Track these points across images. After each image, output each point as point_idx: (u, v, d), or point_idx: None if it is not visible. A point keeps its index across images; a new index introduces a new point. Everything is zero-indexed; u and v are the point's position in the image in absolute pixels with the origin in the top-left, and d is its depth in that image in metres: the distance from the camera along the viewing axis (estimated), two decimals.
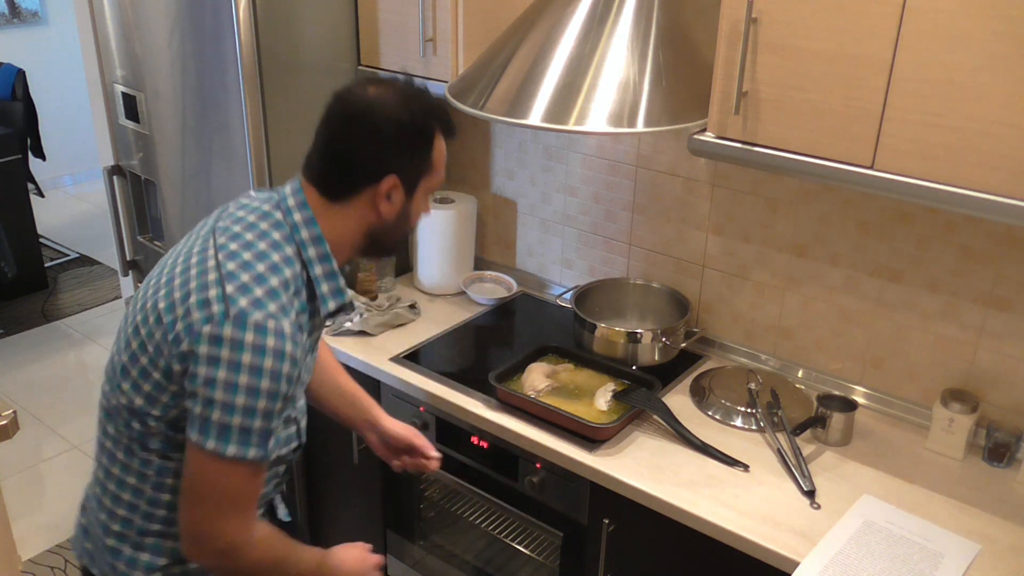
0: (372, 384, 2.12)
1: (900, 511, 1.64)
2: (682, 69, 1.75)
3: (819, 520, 1.62)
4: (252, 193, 1.44)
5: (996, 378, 1.83)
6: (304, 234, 1.36)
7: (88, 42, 2.49)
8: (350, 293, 1.50)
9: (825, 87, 1.52)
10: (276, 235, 1.34)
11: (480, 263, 2.63)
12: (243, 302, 1.25)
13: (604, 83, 1.72)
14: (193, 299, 1.27)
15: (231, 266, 1.29)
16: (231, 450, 1.26)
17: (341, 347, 2.16)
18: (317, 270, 1.37)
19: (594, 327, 2.10)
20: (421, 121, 1.37)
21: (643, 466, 1.77)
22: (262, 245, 1.32)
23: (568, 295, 2.31)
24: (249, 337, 1.24)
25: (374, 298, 2.34)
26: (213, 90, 2.13)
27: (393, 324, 2.27)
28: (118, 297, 4.57)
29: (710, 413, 1.95)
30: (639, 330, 2.08)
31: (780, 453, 1.80)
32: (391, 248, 1.48)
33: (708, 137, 1.69)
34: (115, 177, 2.58)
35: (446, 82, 2.10)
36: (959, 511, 1.66)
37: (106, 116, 2.54)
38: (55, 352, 4.14)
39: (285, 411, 1.35)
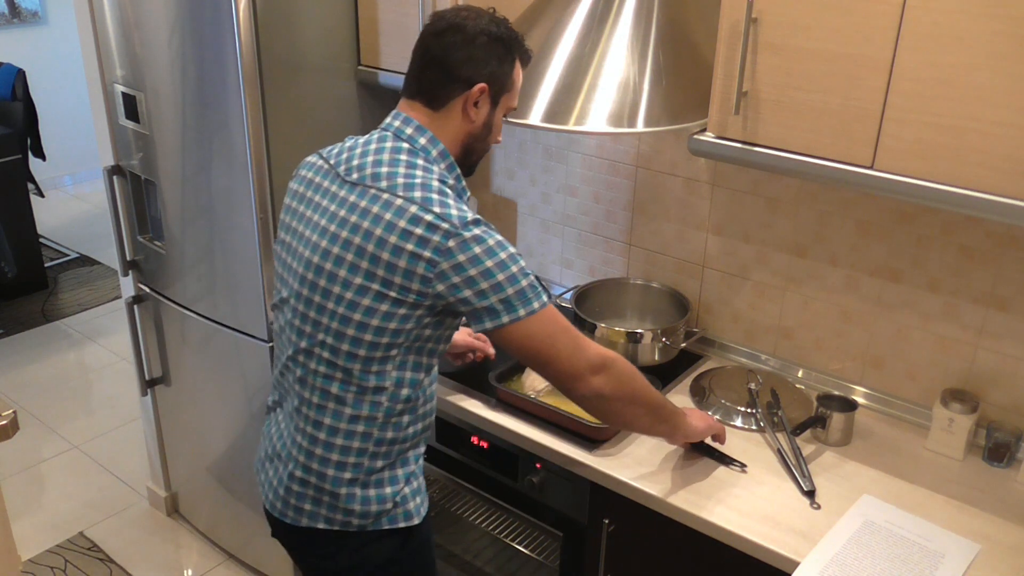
0: None
1: (900, 511, 1.64)
2: (682, 69, 1.75)
3: (819, 520, 1.62)
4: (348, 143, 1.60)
5: (996, 378, 1.83)
6: (434, 152, 1.54)
7: (88, 42, 2.49)
8: None
9: (825, 87, 1.52)
10: (420, 162, 1.52)
11: None
12: (453, 212, 1.45)
13: (604, 83, 1.72)
14: (418, 232, 1.43)
15: (418, 196, 1.46)
16: (536, 304, 1.47)
17: None
18: (450, 177, 1.55)
19: (594, 327, 2.10)
20: (508, 36, 1.54)
21: (643, 466, 1.77)
22: (418, 175, 1.49)
23: (568, 295, 2.32)
24: (478, 230, 1.45)
25: None
26: (213, 90, 2.13)
27: None
28: (118, 297, 4.57)
29: (710, 413, 1.95)
30: (639, 330, 2.08)
31: (780, 453, 1.80)
32: (476, 160, 1.63)
33: (708, 137, 1.69)
34: (115, 177, 2.58)
35: None
36: (959, 511, 1.66)
37: (106, 116, 2.54)
38: (55, 352, 4.14)
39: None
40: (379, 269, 1.45)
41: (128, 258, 2.67)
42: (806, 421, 1.85)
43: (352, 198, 1.50)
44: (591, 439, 1.83)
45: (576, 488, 1.83)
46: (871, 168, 1.51)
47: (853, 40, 1.47)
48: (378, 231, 1.45)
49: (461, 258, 1.43)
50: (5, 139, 4.38)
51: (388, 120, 1.57)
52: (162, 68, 2.24)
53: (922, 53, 1.40)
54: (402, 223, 1.44)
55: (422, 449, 1.67)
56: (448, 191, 1.49)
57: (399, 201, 1.45)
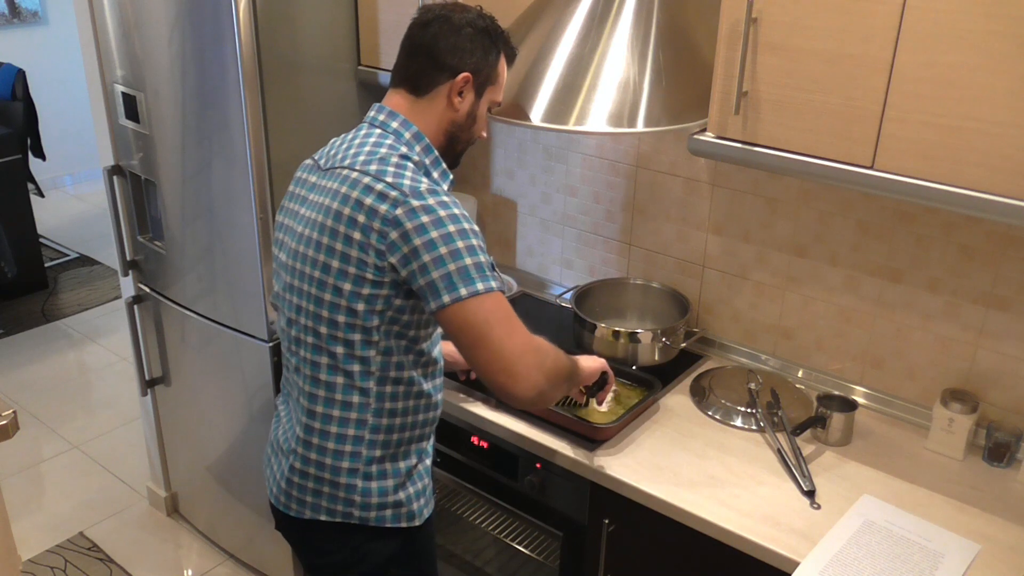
0: None
1: (900, 511, 1.64)
2: (682, 69, 1.75)
3: (819, 520, 1.62)
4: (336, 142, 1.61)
5: (996, 378, 1.83)
6: (407, 135, 1.55)
7: (88, 42, 2.49)
8: None
9: (825, 87, 1.52)
10: (388, 141, 1.53)
11: None
12: (406, 182, 1.44)
13: (604, 83, 1.72)
14: (368, 202, 1.44)
15: (373, 169, 1.47)
16: (480, 286, 1.42)
17: None
18: (427, 160, 1.55)
19: (594, 327, 2.10)
20: (494, 30, 1.58)
21: (643, 466, 1.77)
22: (383, 150, 1.50)
23: (568, 295, 2.32)
24: (430, 200, 1.43)
25: None
26: (213, 90, 2.13)
27: None
28: (118, 297, 4.57)
29: (710, 413, 1.95)
30: (639, 330, 2.08)
31: (780, 453, 1.80)
32: (461, 151, 1.64)
33: (708, 137, 1.69)
34: (115, 177, 2.58)
35: None
36: (959, 511, 1.66)
37: (106, 116, 2.54)
38: (55, 352, 4.14)
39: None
40: (339, 243, 1.47)
41: (128, 258, 2.67)
42: (806, 421, 1.85)
43: (324, 182, 1.54)
44: (591, 439, 1.83)
45: (576, 488, 1.83)
46: (871, 168, 1.51)
47: (853, 40, 1.47)
48: (335, 205, 1.48)
49: (408, 226, 1.41)
50: (5, 139, 4.37)
51: (368, 113, 1.60)
52: (162, 68, 2.24)
53: (922, 53, 1.40)
54: (355, 194, 1.46)
55: (425, 445, 1.67)
56: (409, 164, 1.49)
57: (355, 175, 1.48)
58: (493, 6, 2.05)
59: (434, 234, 1.41)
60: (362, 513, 1.59)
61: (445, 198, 1.45)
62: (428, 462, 1.68)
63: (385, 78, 2.24)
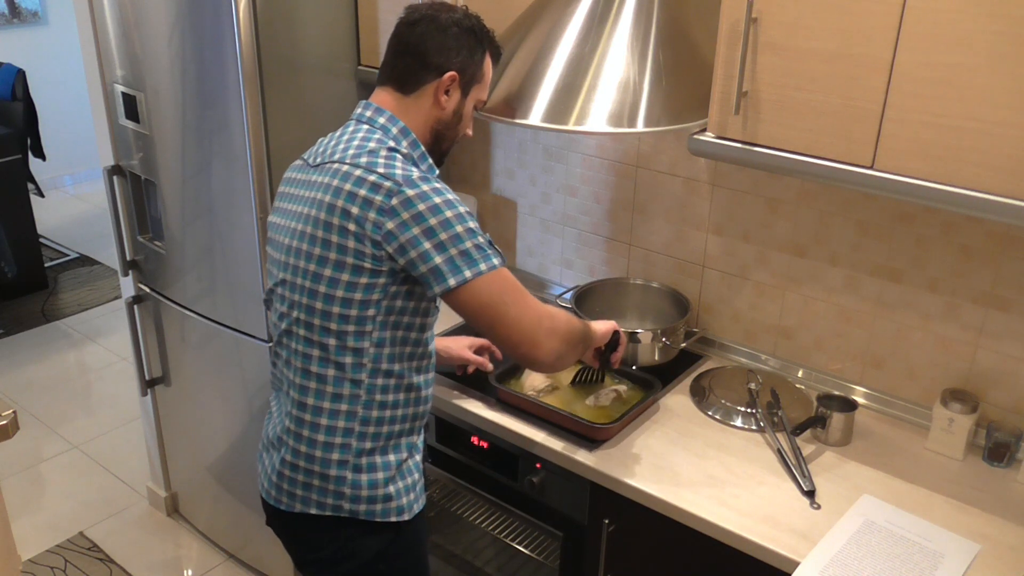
0: None
1: (900, 511, 1.64)
2: (682, 69, 1.75)
3: (819, 520, 1.62)
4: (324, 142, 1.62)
5: (996, 378, 1.83)
6: (394, 130, 1.56)
7: (88, 42, 2.49)
8: None
9: (825, 87, 1.52)
10: (376, 136, 1.54)
11: None
12: (397, 172, 1.46)
13: (604, 83, 1.72)
14: (362, 193, 1.45)
15: (363, 161, 1.48)
16: (483, 265, 1.46)
17: None
18: (414, 155, 1.56)
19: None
20: (480, 30, 1.60)
21: (643, 466, 1.77)
22: (371, 144, 1.52)
23: (568, 295, 2.31)
24: (425, 187, 1.45)
25: None
26: (213, 90, 2.13)
27: None
28: (118, 297, 4.57)
29: (710, 413, 1.95)
30: (639, 330, 2.08)
31: (780, 453, 1.80)
32: (447, 149, 1.66)
33: (708, 137, 1.69)
34: (115, 177, 2.58)
35: None
36: (959, 511, 1.66)
37: (106, 116, 2.54)
38: (55, 352, 4.14)
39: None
40: (334, 236, 1.48)
41: (128, 258, 2.67)
42: (806, 421, 1.85)
43: (314, 178, 1.55)
44: (591, 439, 1.83)
45: (576, 488, 1.83)
46: (871, 168, 1.51)
47: (853, 40, 1.47)
48: (328, 199, 1.49)
49: (405, 215, 1.44)
50: (5, 139, 4.38)
51: (356, 110, 1.62)
52: (162, 68, 2.24)
53: (922, 53, 1.40)
54: (348, 187, 1.47)
55: (416, 439, 1.67)
56: (398, 155, 1.51)
57: (346, 168, 1.50)
58: (494, 7, 2.06)
59: (432, 221, 1.44)
60: (352, 506, 1.60)
61: (437, 184, 1.48)
62: (419, 457, 1.68)
63: None
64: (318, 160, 1.58)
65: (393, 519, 1.62)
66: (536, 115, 1.74)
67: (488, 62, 1.64)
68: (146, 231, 2.60)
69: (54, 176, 6.15)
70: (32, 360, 4.06)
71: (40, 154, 5.07)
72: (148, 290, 2.66)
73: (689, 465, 1.77)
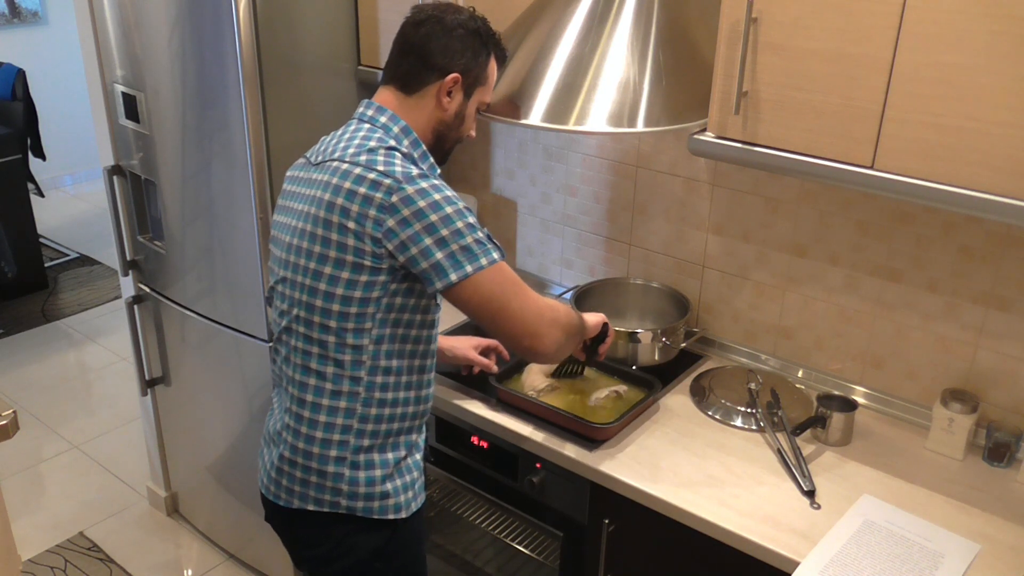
0: None
1: (900, 511, 1.64)
2: (682, 69, 1.75)
3: (819, 520, 1.62)
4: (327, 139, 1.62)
5: (996, 378, 1.83)
6: (395, 129, 1.57)
7: (88, 42, 2.49)
8: None
9: (825, 87, 1.52)
10: (376, 135, 1.55)
11: None
12: (397, 169, 1.47)
13: (604, 83, 1.72)
14: (362, 191, 1.46)
15: (363, 159, 1.49)
16: (484, 260, 1.48)
17: None
18: (415, 154, 1.57)
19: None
20: (485, 32, 1.60)
21: (643, 466, 1.77)
22: (372, 143, 1.53)
23: (568, 295, 2.31)
24: (424, 184, 1.46)
25: None
26: (213, 90, 2.13)
27: None
28: (118, 297, 4.57)
29: (710, 413, 1.95)
30: (639, 330, 2.08)
31: (780, 453, 1.80)
32: (449, 150, 1.67)
33: (708, 137, 1.69)
34: (115, 177, 2.58)
35: None
36: (959, 511, 1.66)
37: (106, 116, 2.54)
38: (55, 352, 4.14)
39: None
40: (333, 234, 1.49)
41: (128, 258, 2.67)
42: (806, 421, 1.85)
43: (315, 176, 1.56)
44: (591, 439, 1.83)
45: (576, 488, 1.83)
46: (871, 168, 1.51)
47: (853, 40, 1.47)
48: (327, 196, 1.50)
49: (405, 212, 1.44)
50: (5, 139, 4.38)
51: (358, 109, 1.63)
52: (162, 68, 2.24)
53: (922, 53, 1.40)
54: (347, 184, 1.48)
55: (415, 438, 1.67)
56: (397, 154, 1.51)
57: (345, 166, 1.50)
58: (494, 7, 2.06)
59: (433, 217, 1.45)
60: (349, 503, 1.60)
61: (436, 181, 1.49)
62: (418, 456, 1.69)
63: None
64: (319, 159, 1.58)
65: (390, 517, 1.62)
66: (536, 115, 1.74)
67: (493, 65, 1.64)
68: (146, 231, 2.60)
69: (54, 176, 6.15)
70: (32, 360, 4.06)
71: (40, 154, 5.07)
72: (148, 290, 2.66)
73: (689, 465, 1.77)
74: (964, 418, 1.79)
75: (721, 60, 1.62)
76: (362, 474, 1.59)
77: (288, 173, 1.68)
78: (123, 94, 2.40)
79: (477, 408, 1.96)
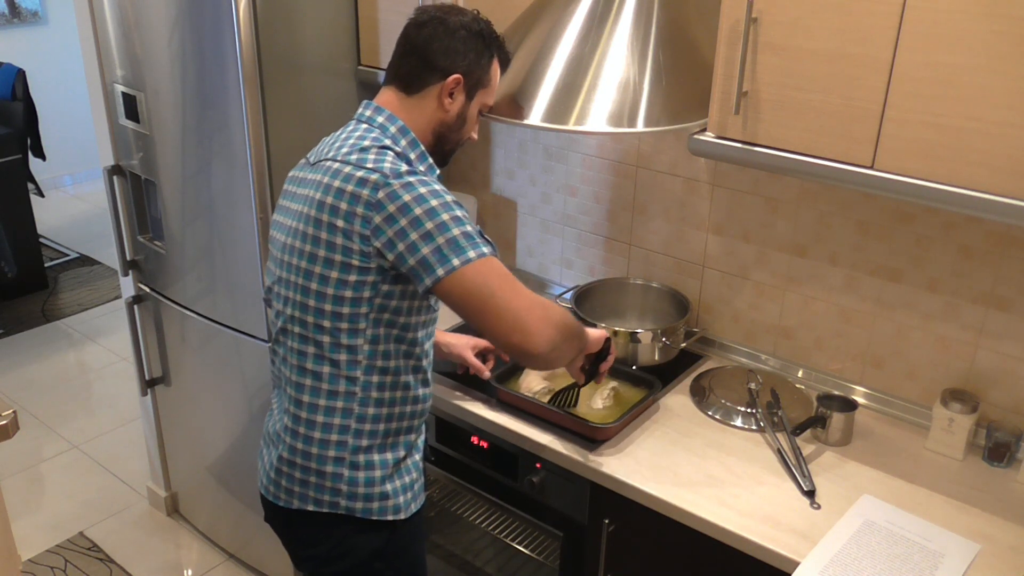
0: None
1: (900, 511, 1.64)
2: (682, 69, 1.75)
3: (819, 520, 1.62)
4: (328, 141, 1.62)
5: (996, 378, 1.83)
6: (392, 129, 1.56)
7: (88, 42, 2.49)
8: None
9: (825, 87, 1.52)
10: (372, 134, 1.55)
11: None
12: (386, 166, 1.46)
13: (604, 83, 1.72)
14: (350, 189, 1.45)
15: (354, 158, 1.49)
16: (472, 253, 1.44)
17: None
18: (412, 154, 1.57)
19: (594, 327, 2.09)
20: (488, 34, 1.60)
21: (643, 466, 1.77)
22: (366, 143, 1.52)
23: (568, 295, 2.31)
24: (411, 179, 1.45)
25: None
26: (213, 90, 2.13)
27: None
28: (118, 297, 4.57)
29: (710, 413, 1.95)
30: (639, 330, 2.08)
31: (780, 453, 1.80)
32: (450, 151, 1.66)
33: (708, 137, 1.69)
34: (115, 177, 2.58)
35: None
36: (959, 511, 1.66)
37: (106, 116, 2.54)
38: (55, 352, 4.14)
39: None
40: (323, 233, 1.49)
41: (128, 258, 2.67)
42: (806, 421, 1.85)
43: (310, 176, 1.56)
44: (591, 439, 1.83)
45: (576, 488, 1.83)
46: (871, 168, 1.51)
47: (853, 40, 1.47)
48: (319, 196, 1.50)
49: (391, 208, 1.43)
50: (5, 139, 4.38)
51: (358, 109, 1.63)
52: (162, 68, 2.24)
53: (922, 53, 1.40)
54: (337, 183, 1.48)
55: (415, 439, 1.67)
56: (389, 153, 1.50)
57: (337, 165, 1.51)
58: (494, 7, 2.06)
59: (418, 211, 1.43)
60: (348, 503, 1.60)
61: (424, 177, 1.48)
62: (418, 457, 1.68)
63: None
64: (316, 159, 1.59)
65: (389, 517, 1.62)
66: (536, 115, 1.74)
67: (495, 67, 1.64)
68: (146, 231, 2.60)
69: (54, 176, 6.15)
70: (32, 360, 4.06)
71: (40, 154, 5.07)
72: (148, 290, 2.66)
73: (689, 465, 1.77)
74: (964, 418, 1.79)
75: (721, 60, 1.62)
76: (361, 474, 1.59)
77: (289, 174, 1.68)
78: (123, 94, 2.41)
79: (477, 408, 1.96)
